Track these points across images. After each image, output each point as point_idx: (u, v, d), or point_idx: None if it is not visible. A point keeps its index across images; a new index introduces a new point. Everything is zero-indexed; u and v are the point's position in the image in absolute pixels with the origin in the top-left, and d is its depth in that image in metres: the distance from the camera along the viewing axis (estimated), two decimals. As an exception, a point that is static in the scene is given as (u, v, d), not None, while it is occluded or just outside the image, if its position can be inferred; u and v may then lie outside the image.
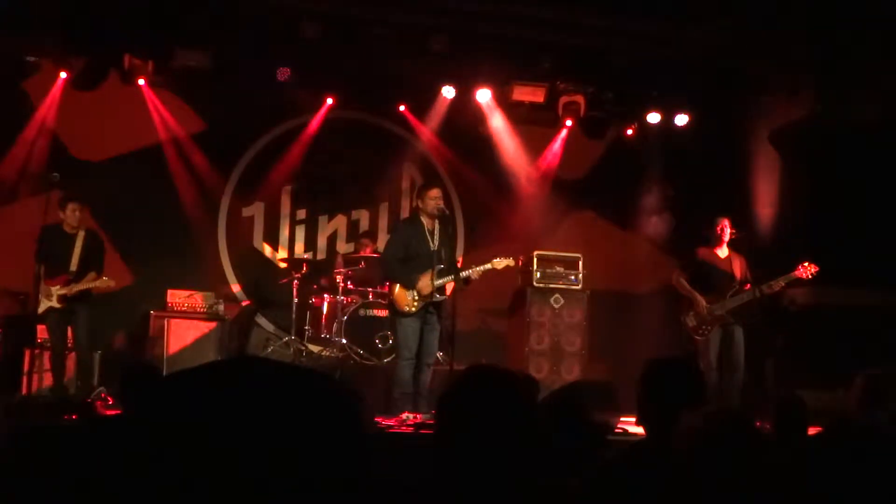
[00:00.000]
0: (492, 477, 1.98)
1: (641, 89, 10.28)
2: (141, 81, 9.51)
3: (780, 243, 10.20)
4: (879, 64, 9.35)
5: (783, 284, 8.05)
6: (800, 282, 8.13)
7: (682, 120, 10.43)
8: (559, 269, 9.71)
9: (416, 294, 7.46)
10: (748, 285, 8.07)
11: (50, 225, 7.78)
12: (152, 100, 9.66)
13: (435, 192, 7.60)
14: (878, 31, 9.18)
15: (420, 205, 7.65)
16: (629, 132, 10.84)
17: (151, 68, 9.42)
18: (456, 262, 7.78)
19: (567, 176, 10.87)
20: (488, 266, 7.71)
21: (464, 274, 7.59)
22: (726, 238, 8.21)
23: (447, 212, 8.10)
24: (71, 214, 7.87)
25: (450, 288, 7.58)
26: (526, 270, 9.67)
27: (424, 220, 7.61)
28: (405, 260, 7.55)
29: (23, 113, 9.30)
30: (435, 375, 8.19)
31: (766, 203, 10.56)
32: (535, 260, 9.65)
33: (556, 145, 10.91)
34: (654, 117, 10.43)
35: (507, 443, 2.00)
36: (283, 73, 9.54)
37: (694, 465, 2.17)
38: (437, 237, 7.62)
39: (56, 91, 9.34)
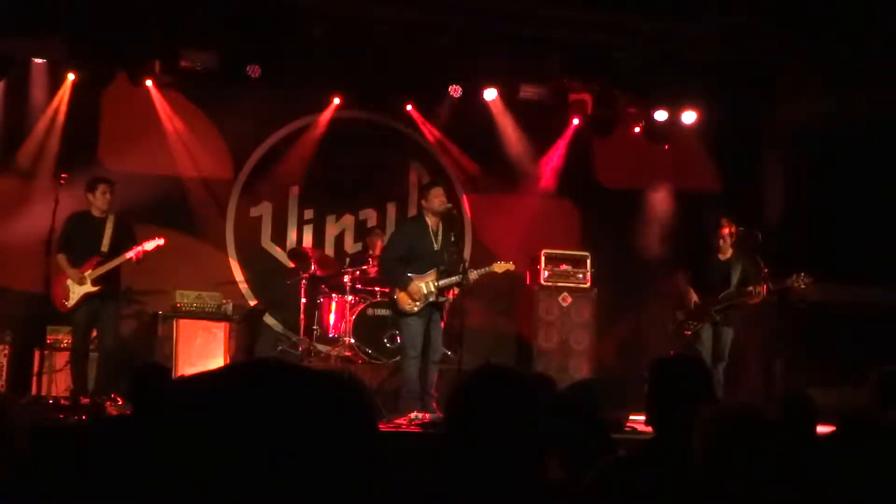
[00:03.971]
0: (501, 476, 1.97)
1: (649, 87, 10.25)
2: (148, 82, 9.53)
3: (789, 241, 10.17)
4: (884, 62, 9.32)
5: (765, 291, 8.07)
6: (790, 290, 8.16)
7: (689, 118, 10.40)
8: (567, 267, 9.69)
9: (415, 295, 7.49)
10: (750, 287, 8.12)
11: (77, 212, 7.69)
12: (160, 101, 9.67)
13: (438, 191, 7.62)
14: (885, 30, 9.16)
15: (424, 203, 7.67)
16: (637, 130, 10.82)
17: (159, 69, 9.43)
18: (457, 263, 7.74)
19: (575, 173, 10.85)
20: (488, 269, 7.76)
21: (460, 279, 7.57)
22: (725, 241, 8.29)
23: (454, 210, 8.12)
24: (101, 196, 7.63)
25: (451, 289, 7.62)
26: (534, 269, 9.67)
27: (429, 219, 7.62)
28: (407, 259, 7.56)
29: (31, 115, 9.32)
30: (443, 375, 8.20)
31: (774, 201, 10.54)
32: (542, 258, 9.64)
33: (564, 143, 10.89)
34: (661, 115, 10.41)
35: (516, 442, 1.99)
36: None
37: (709, 462, 2.16)
38: (440, 237, 7.63)
39: (64, 93, 9.35)
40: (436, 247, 7.58)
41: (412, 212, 10.41)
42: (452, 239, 8.15)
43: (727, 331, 8.28)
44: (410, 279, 7.47)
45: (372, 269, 9.31)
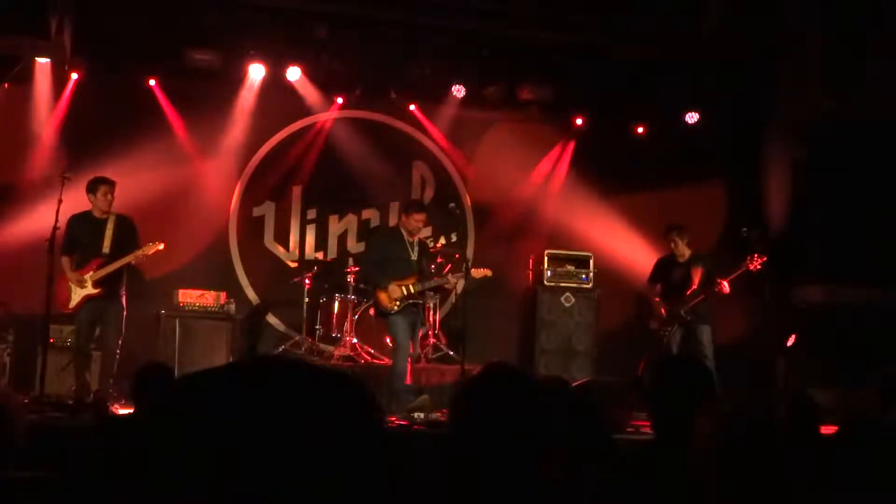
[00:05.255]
0: (504, 475, 1.97)
1: (652, 87, 10.25)
2: (152, 82, 9.54)
3: (792, 241, 10.16)
4: (890, 59, 9.31)
5: (728, 281, 8.41)
6: (750, 274, 8.50)
7: (693, 118, 10.39)
8: (570, 267, 9.70)
9: (393, 295, 7.82)
10: (711, 285, 8.47)
11: (78, 213, 7.64)
12: (163, 100, 9.68)
13: (420, 217, 7.95)
14: (891, 26, 9.15)
15: (404, 218, 8.02)
16: (640, 130, 10.81)
17: (162, 68, 9.44)
18: (460, 263, 8.33)
19: (577, 174, 10.83)
20: (466, 276, 8.07)
21: (441, 282, 8.13)
22: (677, 245, 8.72)
23: (457, 209, 8.27)
24: (102, 198, 7.56)
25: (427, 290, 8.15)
26: (537, 269, 9.67)
27: (405, 232, 7.98)
28: (383, 264, 7.91)
29: (34, 114, 9.33)
30: (446, 373, 8.24)
31: (777, 201, 10.53)
32: (545, 259, 9.64)
33: (566, 143, 10.88)
34: (665, 115, 10.39)
35: (521, 441, 1.99)
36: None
37: (712, 465, 2.16)
38: (416, 248, 8.01)
39: (67, 92, 9.37)
40: (412, 256, 7.95)
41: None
42: (454, 239, 8.32)
43: (703, 329, 8.55)
44: (389, 279, 7.81)
45: None
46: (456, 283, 8.08)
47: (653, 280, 8.94)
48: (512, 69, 10.06)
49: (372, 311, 9.18)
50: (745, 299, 9.18)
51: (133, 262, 7.65)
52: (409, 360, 7.95)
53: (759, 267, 8.39)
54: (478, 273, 8.13)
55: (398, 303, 7.80)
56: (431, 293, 8.71)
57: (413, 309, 7.96)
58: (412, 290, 7.84)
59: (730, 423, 2.20)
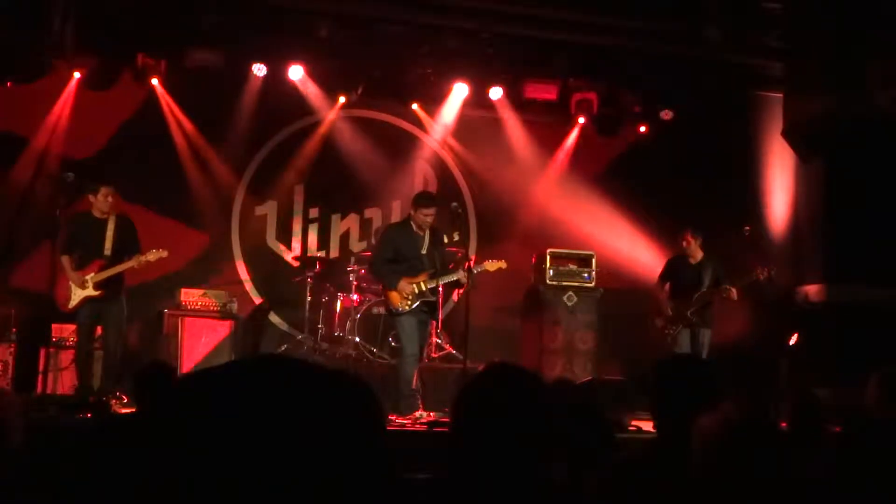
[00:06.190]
0: (507, 475, 1.97)
1: (654, 86, 10.24)
2: (154, 81, 9.53)
3: (795, 240, 10.16)
4: (891, 59, 9.30)
5: (737, 288, 8.48)
6: (758, 283, 8.61)
7: (694, 117, 10.38)
8: (572, 266, 9.68)
9: (403, 293, 7.62)
10: (724, 285, 8.51)
11: (79, 212, 7.62)
12: (165, 99, 9.68)
13: (430, 211, 7.69)
14: (891, 27, 9.15)
15: (413, 213, 7.77)
16: (642, 129, 10.81)
17: (165, 67, 9.45)
18: (447, 265, 8.03)
19: (580, 173, 10.83)
20: (481, 268, 7.90)
21: (455, 277, 7.82)
22: (689, 245, 8.74)
23: (459, 208, 8.21)
24: (103, 200, 7.53)
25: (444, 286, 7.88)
26: (539, 268, 9.66)
27: (415, 225, 7.75)
28: (394, 261, 7.71)
29: (37, 113, 9.34)
30: (448, 373, 8.20)
31: (780, 200, 10.52)
32: (548, 258, 9.63)
33: (569, 142, 10.89)
34: (667, 114, 10.39)
35: (524, 441, 1.99)
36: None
37: (713, 465, 2.16)
38: (427, 242, 7.78)
39: (70, 91, 9.37)
40: (423, 251, 7.74)
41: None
42: (456, 238, 8.23)
43: (705, 332, 8.64)
44: (399, 278, 7.60)
45: None
46: (468, 278, 7.81)
47: (663, 279, 8.96)
48: (514, 68, 10.05)
49: (383, 310, 9.18)
50: (747, 299, 9.17)
51: (136, 266, 7.64)
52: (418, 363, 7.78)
53: (768, 277, 8.45)
54: (492, 265, 7.94)
55: (409, 301, 7.60)
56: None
57: (425, 308, 7.77)
58: (424, 288, 7.63)
59: (732, 423, 2.20)
